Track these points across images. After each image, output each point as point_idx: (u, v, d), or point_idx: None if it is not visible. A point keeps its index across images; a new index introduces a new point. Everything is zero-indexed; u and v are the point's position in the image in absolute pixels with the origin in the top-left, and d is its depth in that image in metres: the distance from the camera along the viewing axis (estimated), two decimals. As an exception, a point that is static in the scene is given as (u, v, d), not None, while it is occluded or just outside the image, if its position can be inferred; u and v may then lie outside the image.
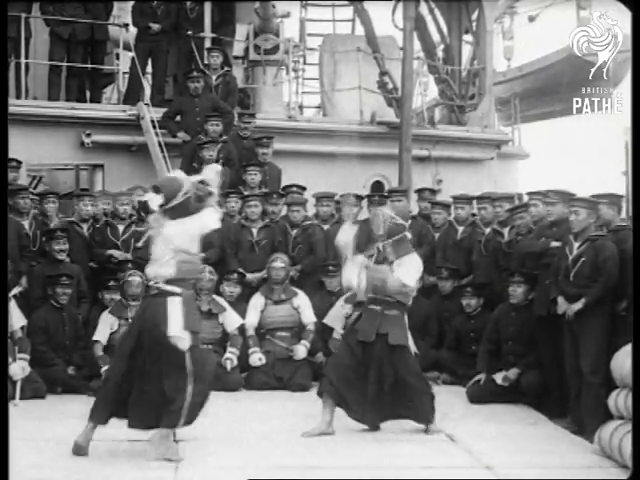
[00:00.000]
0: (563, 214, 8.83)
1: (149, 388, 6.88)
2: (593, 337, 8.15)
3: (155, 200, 7.00)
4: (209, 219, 7.11)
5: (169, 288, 6.91)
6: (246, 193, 11.22)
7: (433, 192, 12.05)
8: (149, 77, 13.85)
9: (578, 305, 8.24)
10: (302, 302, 10.14)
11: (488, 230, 10.38)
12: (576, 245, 8.36)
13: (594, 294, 8.19)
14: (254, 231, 10.68)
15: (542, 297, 8.90)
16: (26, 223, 10.31)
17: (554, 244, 8.86)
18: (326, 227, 11.05)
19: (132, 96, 13.25)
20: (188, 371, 6.84)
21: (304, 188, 11.64)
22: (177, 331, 6.81)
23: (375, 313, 7.77)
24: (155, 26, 13.24)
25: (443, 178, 14.86)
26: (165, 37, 13.45)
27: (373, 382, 7.74)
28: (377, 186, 14.19)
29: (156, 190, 7.03)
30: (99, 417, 6.97)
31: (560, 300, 8.40)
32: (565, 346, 8.43)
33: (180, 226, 6.97)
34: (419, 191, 11.87)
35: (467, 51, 16.58)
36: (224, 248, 10.63)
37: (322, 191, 11.48)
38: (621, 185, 12.49)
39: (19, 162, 11.15)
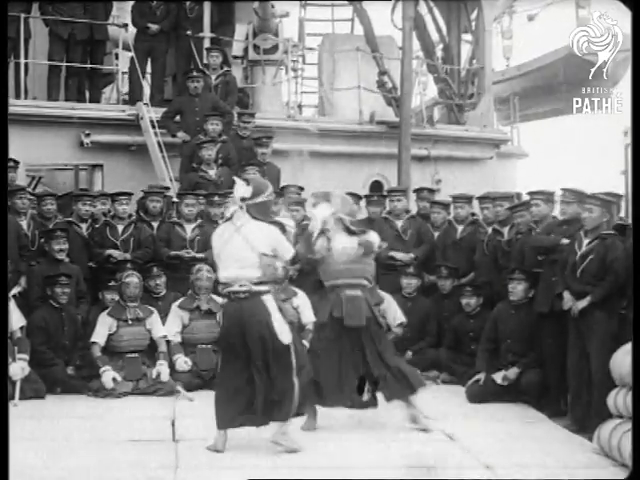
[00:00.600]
0: (576, 213, 8.84)
1: (261, 388, 7.02)
2: (600, 335, 8.15)
3: (243, 190, 7.06)
4: (286, 221, 7.34)
5: (260, 288, 6.99)
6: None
7: (431, 191, 12.03)
8: (148, 77, 13.84)
9: (583, 303, 8.24)
10: (301, 302, 10.12)
11: (490, 230, 10.38)
12: (585, 242, 8.37)
13: (600, 293, 8.19)
14: (252, 230, 10.66)
15: (545, 294, 8.89)
16: (24, 223, 10.30)
17: (565, 241, 8.84)
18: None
19: (132, 96, 13.25)
20: (294, 365, 7.01)
21: (302, 188, 11.64)
22: (281, 327, 6.99)
23: (357, 297, 7.78)
24: (154, 27, 13.23)
25: (442, 177, 14.87)
26: (164, 37, 13.45)
27: (352, 366, 7.75)
28: (376, 186, 14.20)
29: (246, 182, 7.14)
30: (229, 422, 7.08)
31: (566, 295, 8.38)
32: (569, 343, 8.44)
33: (262, 231, 7.06)
34: (417, 191, 11.85)
35: (466, 50, 16.60)
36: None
37: (320, 191, 11.47)
38: (620, 185, 12.50)
39: (16, 162, 11.13)
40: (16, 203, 10.28)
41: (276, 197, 11.14)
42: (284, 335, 6.99)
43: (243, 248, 6.99)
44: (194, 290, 9.95)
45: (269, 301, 7.02)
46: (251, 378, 7.02)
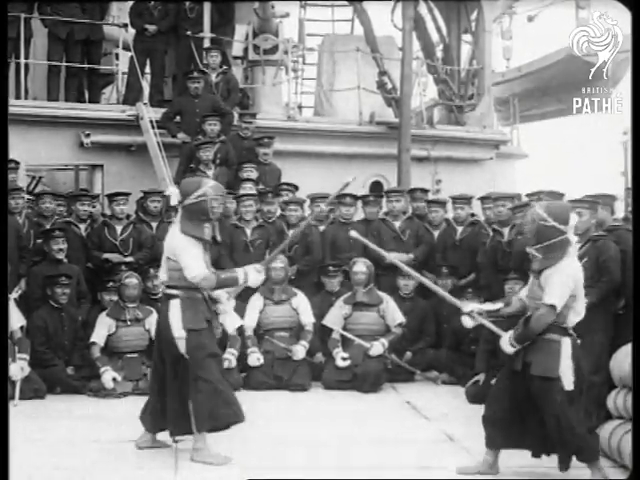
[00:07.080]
0: None
1: None
2: (595, 337, 8.14)
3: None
4: None
5: None
6: (240, 192, 11.17)
7: (425, 191, 11.86)
8: (148, 77, 13.84)
9: (582, 306, 8.24)
10: (301, 302, 10.13)
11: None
12: (577, 246, 8.36)
13: (597, 294, 8.16)
14: (247, 231, 10.66)
15: None
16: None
17: None
18: (321, 228, 11.05)
19: (131, 96, 13.25)
20: None
21: (296, 187, 11.60)
22: None
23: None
24: (151, 27, 13.22)
25: (442, 178, 14.87)
26: (162, 38, 13.43)
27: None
28: (376, 186, 14.21)
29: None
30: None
31: None
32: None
33: None
34: (411, 191, 11.75)
35: (466, 51, 16.61)
36: (219, 249, 10.63)
37: (317, 192, 11.47)
38: (620, 185, 12.50)
39: (17, 163, 11.14)
40: (10, 203, 10.24)
41: (273, 197, 11.17)
42: None
43: None
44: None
45: None
46: None
